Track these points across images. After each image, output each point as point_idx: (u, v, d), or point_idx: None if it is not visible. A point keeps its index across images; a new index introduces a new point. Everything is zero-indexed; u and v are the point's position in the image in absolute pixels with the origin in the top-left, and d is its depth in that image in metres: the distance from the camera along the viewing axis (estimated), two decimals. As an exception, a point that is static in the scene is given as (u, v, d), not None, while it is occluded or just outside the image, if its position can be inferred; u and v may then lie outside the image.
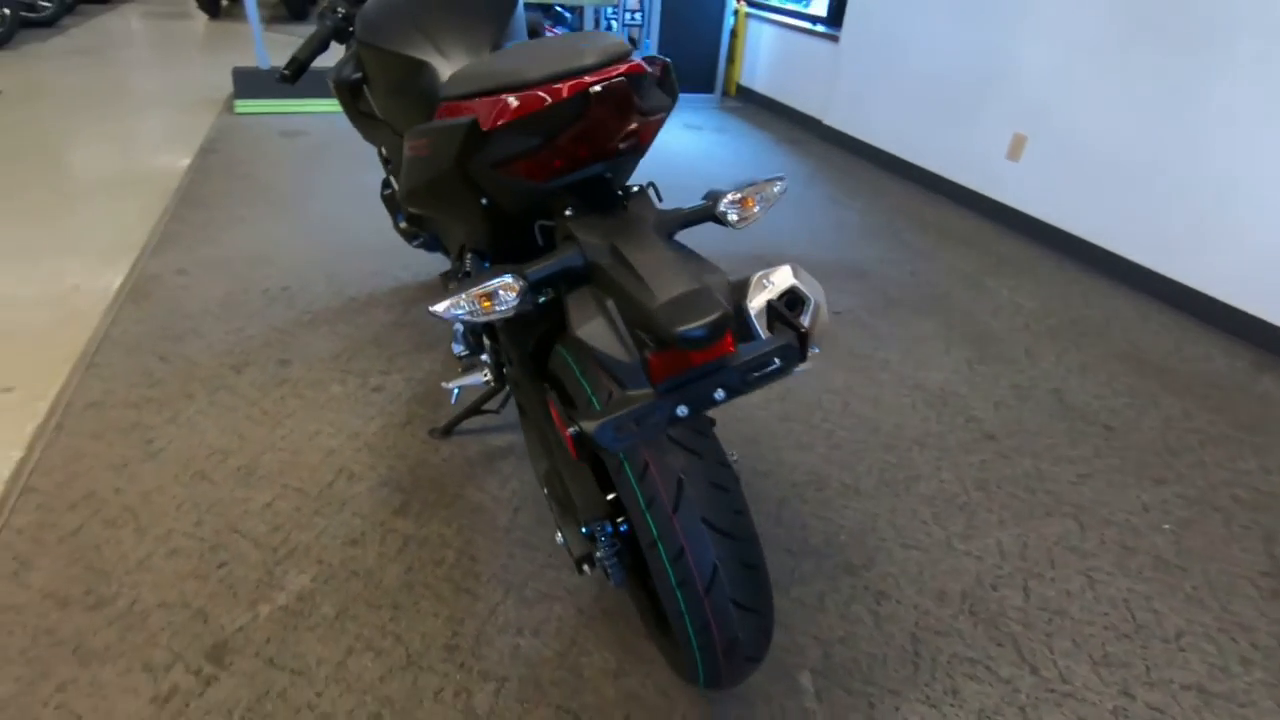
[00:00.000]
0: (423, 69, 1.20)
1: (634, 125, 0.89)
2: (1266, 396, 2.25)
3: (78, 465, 1.64)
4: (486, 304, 0.83)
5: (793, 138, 4.76)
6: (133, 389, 1.89)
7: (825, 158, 4.39)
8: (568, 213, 0.95)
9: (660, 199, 1.01)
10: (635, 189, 1.00)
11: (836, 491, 1.74)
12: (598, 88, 0.82)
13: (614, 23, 6.17)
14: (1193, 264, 2.72)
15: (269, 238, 2.79)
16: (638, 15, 5.80)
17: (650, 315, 0.76)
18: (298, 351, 2.10)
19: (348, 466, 1.69)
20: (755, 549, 0.95)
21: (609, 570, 1.08)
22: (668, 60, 0.94)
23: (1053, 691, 1.30)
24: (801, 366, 0.97)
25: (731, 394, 0.81)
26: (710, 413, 1.97)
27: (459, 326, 1.47)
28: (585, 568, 1.09)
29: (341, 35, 1.52)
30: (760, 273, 0.98)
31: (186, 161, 3.52)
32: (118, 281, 2.40)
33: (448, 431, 1.80)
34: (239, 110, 4.33)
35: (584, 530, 1.07)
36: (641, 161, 4.02)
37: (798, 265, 0.98)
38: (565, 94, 0.83)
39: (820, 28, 4.65)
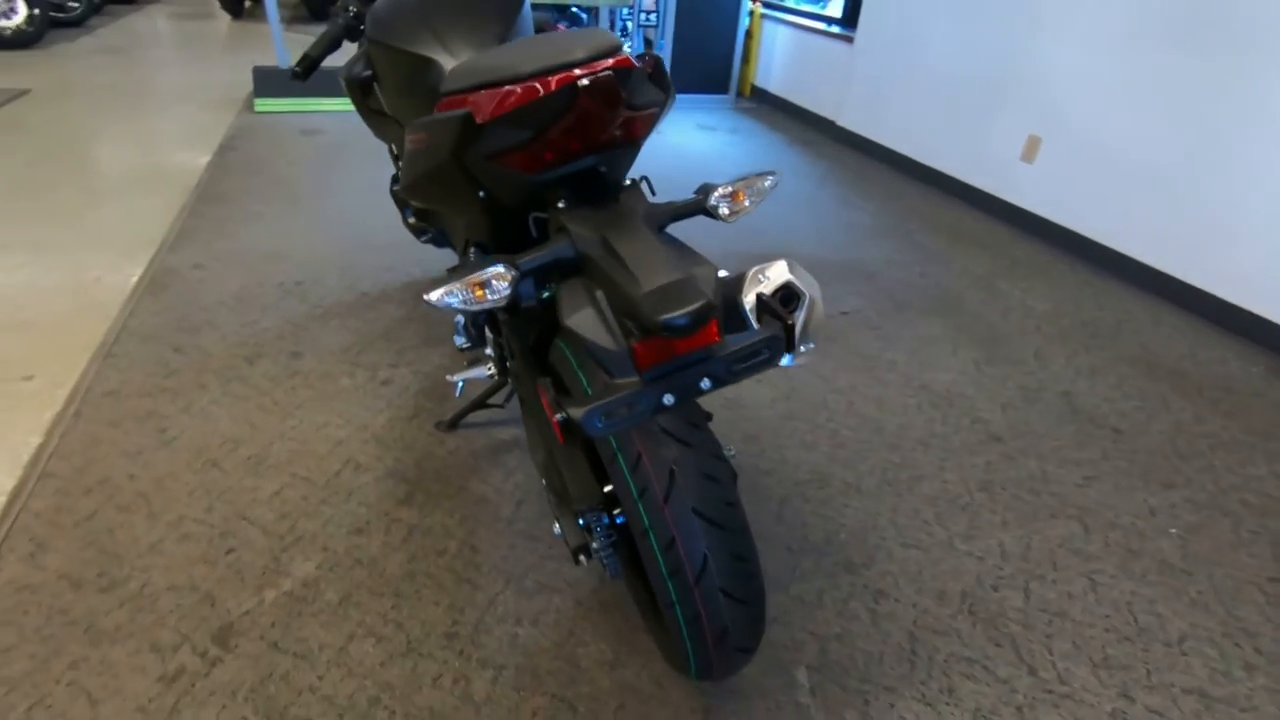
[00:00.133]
0: (429, 66, 1.23)
1: (623, 118, 0.91)
2: (1281, 402, 2.22)
3: (94, 451, 1.68)
4: (480, 293, 0.85)
5: (806, 139, 4.76)
6: (149, 379, 1.94)
7: (838, 159, 4.38)
8: (560, 205, 0.96)
9: (654, 193, 1.03)
10: (628, 183, 1.01)
11: (838, 490, 1.74)
12: (585, 81, 0.84)
13: (629, 23, 6.20)
14: (1208, 267, 2.69)
15: (285, 233, 2.84)
16: (653, 16, 5.82)
17: (635, 304, 0.77)
18: (309, 344, 2.14)
19: (355, 457, 1.72)
20: (746, 541, 0.96)
21: (605, 562, 1.09)
22: (659, 56, 0.96)
23: (1050, 692, 1.30)
24: (798, 361, 0.98)
25: (718, 384, 0.82)
26: (714, 410, 1.98)
27: (460, 319, 1.49)
28: (582, 558, 1.11)
29: (353, 33, 1.55)
30: (756, 267, 1.00)
31: (206, 159, 3.59)
32: (137, 275, 2.45)
33: (454, 424, 1.82)
34: (259, 109, 4.40)
35: (580, 522, 1.08)
36: (654, 161, 4.04)
37: (794, 261, 0.99)
38: (553, 87, 0.85)
39: (835, 29, 4.65)
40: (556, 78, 0.85)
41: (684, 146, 4.39)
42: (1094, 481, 1.83)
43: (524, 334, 1.27)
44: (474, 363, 1.65)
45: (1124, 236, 2.98)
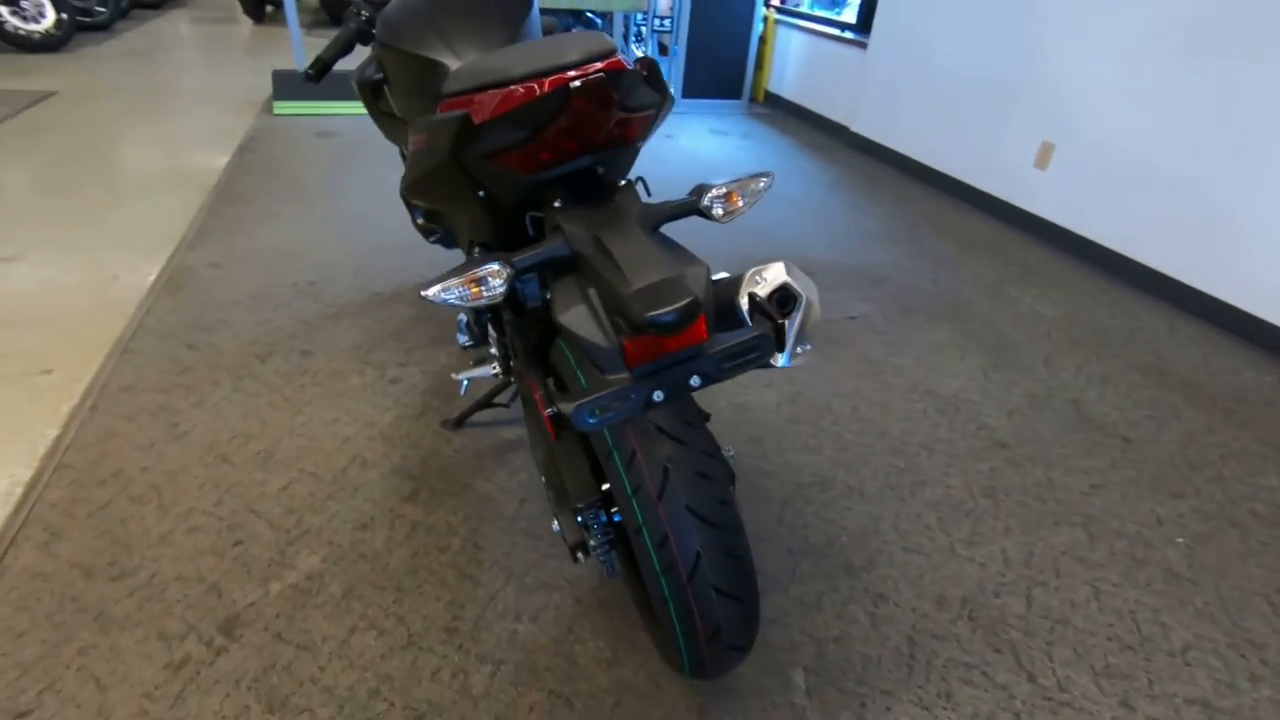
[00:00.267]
0: (437, 69, 1.25)
1: (618, 120, 0.92)
2: (1296, 412, 2.19)
3: (109, 444, 1.72)
4: (475, 289, 0.87)
5: (818, 144, 4.75)
6: (163, 374, 1.98)
7: (850, 164, 4.37)
8: (556, 204, 0.98)
9: (650, 193, 1.04)
10: (623, 183, 1.03)
11: (840, 493, 1.74)
12: (577, 83, 0.86)
13: (643, 29, 6.23)
14: (1225, 275, 2.66)
15: (300, 234, 2.88)
16: (667, 21, 5.85)
17: (624, 301, 0.79)
18: (320, 343, 2.17)
19: (362, 454, 1.75)
20: (740, 539, 0.97)
21: (603, 559, 1.11)
22: (654, 60, 0.97)
23: (1049, 699, 1.29)
24: (796, 362, 0.99)
25: (707, 381, 0.83)
26: (719, 412, 1.99)
27: (462, 318, 1.51)
28: (580, 555, 1.12)
29: (365, 37, 1.58)
30: (754, 268, 1.00)
31: (225, 160, 3.65)
32: (155, 273, 2.50)
33: (459, 423, 1.84)
34: (277, 111, 4.48)
35: (578, 520, 1.10)
36: (665, 165, 4.06)
37: (791, 263, 1.00)
38: (546, 88, 0.87)
39: (848, 34, 4.65)
40: (550, 79, 0.87)
41: (695, 151, 4.40)
42: (1101, 490, 1.82)
43: (527, 333, 1.28)
44: (479, 362, 1.67)
45: (1138, 243, 2.96)
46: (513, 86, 0.89)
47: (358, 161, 3.75)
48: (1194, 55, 2.68)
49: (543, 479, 1.22)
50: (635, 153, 1.08)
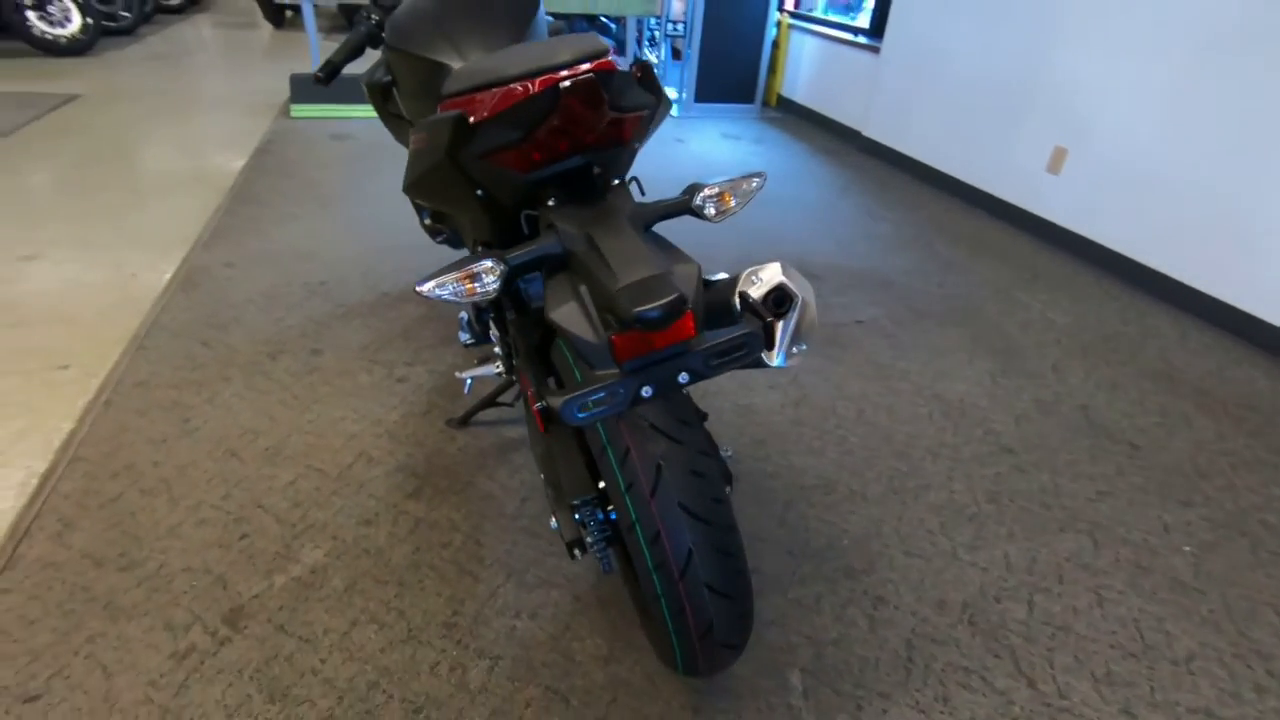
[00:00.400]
0: (442, 71, 1.27)
1: (610, 120, 0.93)
2: (1310, 421, 2.15)
3: (122, 438, 1.75)
4: (469, 285, 0.88)
5: (830, 148, 4.75)
6: (176, 371, 2.02)
7: (862, 169, 4.36)
8: (550, 203, 1.00)
9: (643, 193, 1.05)
10: (616, 183, 1.04)
11: (843, 496, 1.74)
12: (567, 83, 0.87)
13: (657, 33, 6.26)
14: (1239, 282, 2.62)
15: (313, 234, 2.93)
16: (681, 26, 5.87)
17: (612, 297, 0.80)
18: (330, 342, 2.20)
19: (367, 451, 1.77)
20: (733, 537, 0.97)
21: (599, 556, 1.11)
22: (648, 62, 0.98)
23: (1048, 705, 1.28)
24: (791, 362, 0.99)
25: (695, 377, 0.83)
26: (724, 414, 1.99)
27: (464, 316, 1.53)
28: (576, 552, 1.13)
29: (374, 41, 1.61)
30: (750, 268, 1.01)
31: (243, 162, 3.71)
32: (171, 272, 2.55)
33: (464, 422, 1.86)
34: (294, 114, 4.54)
35: (575, 517, 1.11)
36: (676, 168, 4.07)
37: (788, 263, 1.01)
38: (537, 88, 0.88)
39: (861, 39, 4.64)
40: (540, 79, 0.88)
41: (707, 155, 4.42)
42: (1107, 497, 1.80)
43: (530, 332, 1.30)
44: (483, 361, 1.69)
45: (1151, 248, 2.93)
46: (505, 87, 0.91)
47: (371, 164, 3.80)
48: (1207, 60, 2.65)
49: (542, 476, 1.24)
50: (631, 153, 1.09)
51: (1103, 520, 1.72)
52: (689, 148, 4.54)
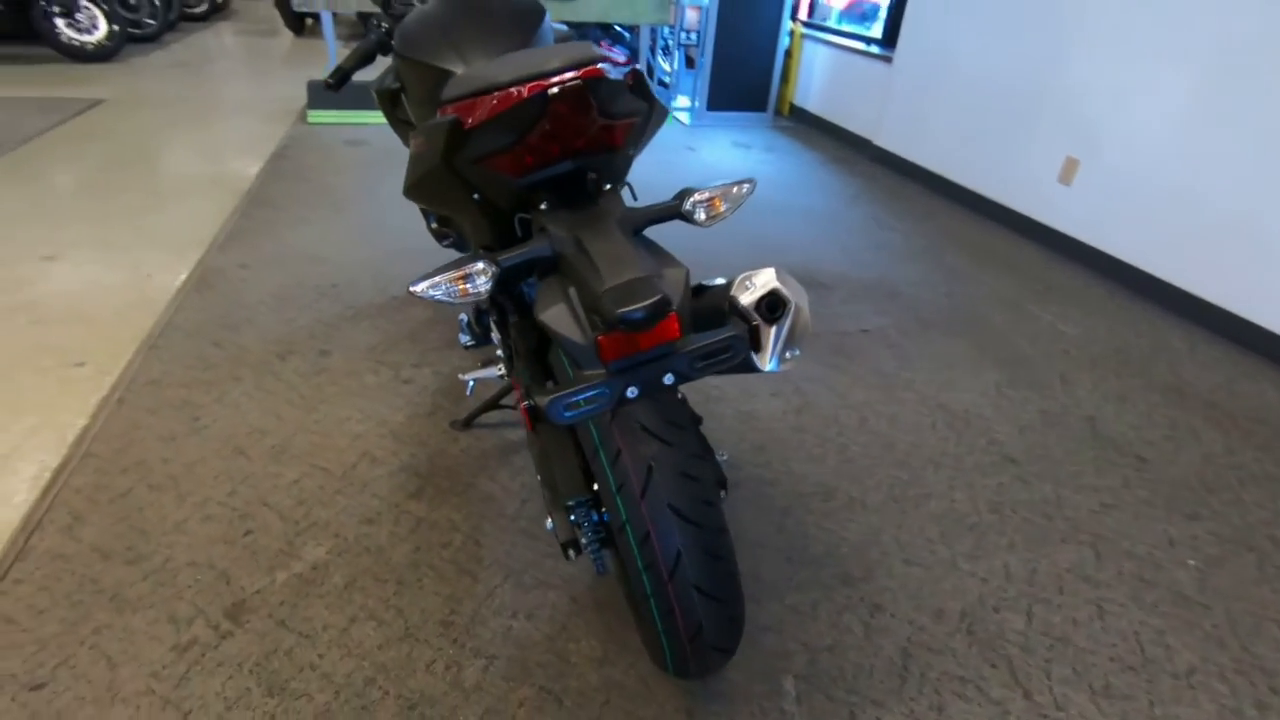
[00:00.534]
0: (448, 78, 1.30)
1: (601, 125, 0.95)
2: (1322, 436, 2.12)
3: (133, 435, 1.79)
4: (462, 285, 0.90)
5: (841, 157, 4.75)
6: (188, 370, 2.05)
7: (873, 178, 4.36)
8: (543, 206, 1.02)
9: (635, 198, 1.07)
10: (607, 187, 1.06)
11: (843, 504, 1.74)
12: (555, 89, 0.89)
13: (670, 42, 6.30)
14: (1252, 296, 2.60)
15: (325, 238, 2.97)
16: (694, 35, 5.91)
17: (597, 299, 0.81)
18: (339, 343, 2.24)
19: (372, 451, 1.79)
20: (723, 540, 0.98)
21: (593, 557, 1.13)
22: (639, 69, 1.00)
23: (1045, 717, 1.27)
24: (784, 367, 1.00)
25: (680, 379, 0.85)
26: (726, 420, 2.00)
27: (464, 318, 1.55)
28: (571, 553, 1.14)
29: (385, 48, 1.65)
30: (744, 274, 1.02)
31: (259, 166, 3.78)
32: (186, 273, 2.60)
33: (467, 424, 1.88)
34: (311, 120, 4.62)
35: (571, 518, 1.12)
36: (686, 177, 4.09)
37: (782, 269, 1.02)
38: (525, 94, 0.90)
39: (874, 49, 4.65)
40: (529, 85, 0.90)
41: (718, 164, 4.44)
42: (1111, 509, 1.79)
43: (530, 335, 1.32)
44: (487, 363, 1.71)
45: (1163, 260, 2.90)
46: (497, 93, 0.93)
47: (384, 169, 3.85)
48: (1222, 70, 2.64)
49: (538, 477, 1.25)
50: (626, 159, 1.11)
51: (1106, 532, 1.71)
52: (700, 156, 4.56)
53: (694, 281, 1.09)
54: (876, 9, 4.65)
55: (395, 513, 1.62)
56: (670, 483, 0.94)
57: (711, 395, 2.11)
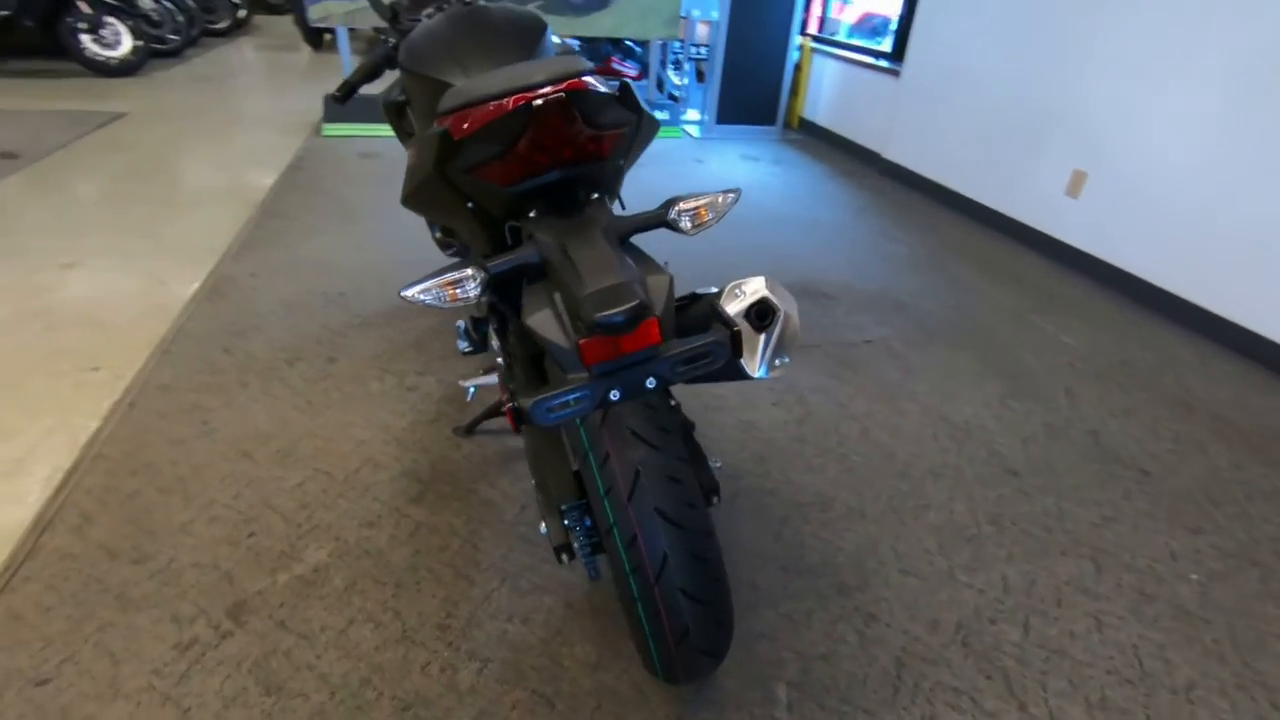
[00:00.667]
0: (450, 91, 1.33)
1: (588, 136, 0.98)
2: (1332, 452, 2.10)
3: (143, 438, 1.83)
4: (451, 290, 0.93)
5: (849, 170, 4.77)
6: (198, 375, 2.10)
7: (880, 191, 4.37)
8: (532, 215, 1.04)
9: (624, 207, 1.09)
10: (594, 196, 1.08)
11: (841, 514, 1.74)
12: (538, 101, 0.92)
13: (680, 56, 6.36)
14: (1265, 309, 2.57)
15: (335, 247, 3.02)
16: (704, 49, 5.97)
17: (579, 303, 0.83)
18: (345, 350, 2.27)
19: (375, 456, 1.82)
20: (709, 543, 0.99)
21: (585, 562, 1.14)
22: (628, 82, 1.03)
23: (1039, 729, 1.27)
24: (773, 374, 1.02)
25: (662, 383, 0.86)
26: (727, 428, 2.01)
27: (461, 324, 1.58)
28: (564, 557, 1.16)
29: (391, 63, 1.69)
30: (734, 282, 1.04)
31: (274, 178, 3.85)
32: (199, 281, 2.66)
33: (469, 430, 1.91)
34: (326, 133, 4.71)
35: (564, 522, 1.13)
36: (694, 188, 4.12)
37: (773, 278, 1.04)
38: (510, 106, 0.93)
39: (883, 62, 4.67)
40: (513, 98, 0.93)
41: (726, 176, 4.47)
42: (1113, 522, 1.77)
43: (527, 341, 1.34)
44: (489, 370, 1.73)
45: (1172, 274, 2.89)
46: (485, 105, 0.96)
47: (395, 181, 3.91)
48: (1234, 84, 2.63)
49: (533, 482, 1.27)
50: (615, 169, 1.13)
51: (1107, 545, 1.70)
52: (708, 168, 4.60)
53: (690, 290, 1.11)
54: (888, 23, 4.68)
55: (396, 517, 1.64)
56: (657, 486, 0.96)
57: (713, 404, 2.12)
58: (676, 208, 1.06)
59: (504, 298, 1.28)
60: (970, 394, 2.28)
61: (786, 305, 1.02)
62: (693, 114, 5.85)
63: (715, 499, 1.16)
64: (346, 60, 4.82)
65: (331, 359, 2.22)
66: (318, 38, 8.55)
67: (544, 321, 0.89)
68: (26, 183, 3.55)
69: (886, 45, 4.73)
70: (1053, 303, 2.98)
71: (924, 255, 3.39)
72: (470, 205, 1.10)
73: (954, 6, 3.99)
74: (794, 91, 5.61)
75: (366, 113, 4.59)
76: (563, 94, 0.92)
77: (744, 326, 0.96)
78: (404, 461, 1.81)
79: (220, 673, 1.27)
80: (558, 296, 0.93)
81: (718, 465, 1.22)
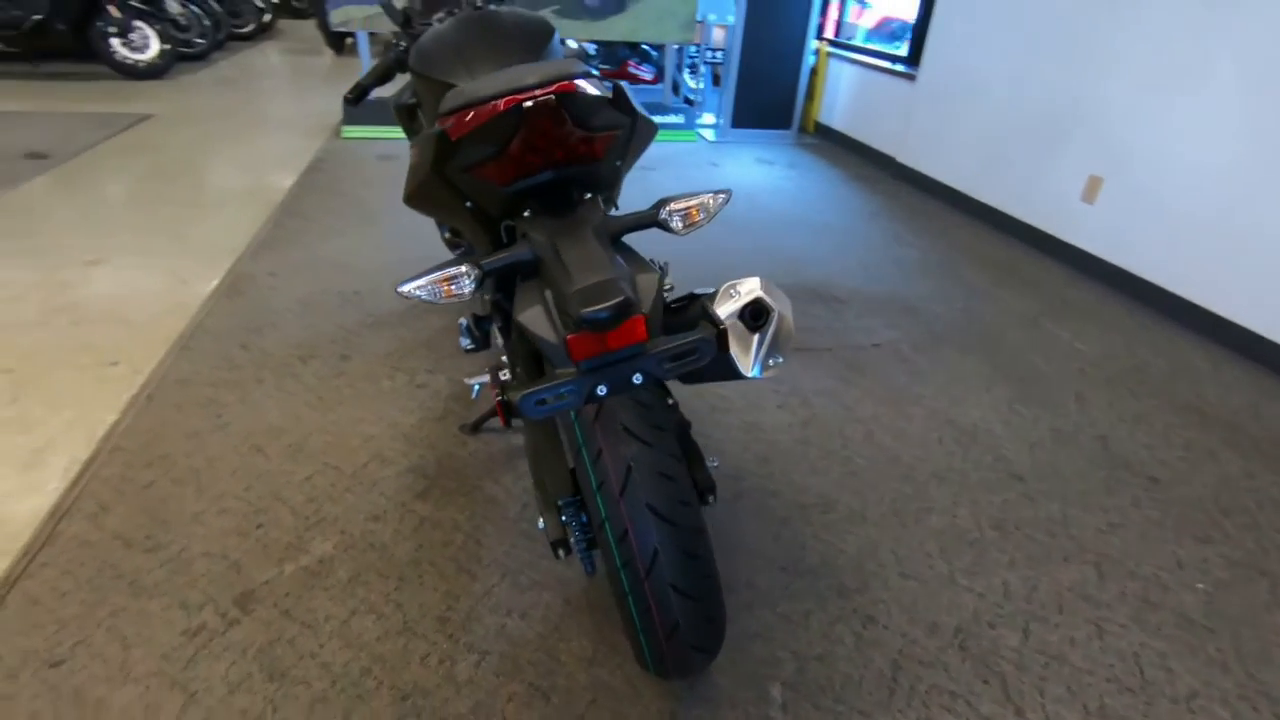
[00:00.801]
0: (455, 94, 1.36)
1: (580, 137, 1.00)
2: (1349, 462, 2.06)
3: (159, 431, 1.88)
4: (447, 287, 0.95)
5: (864, 174, 4.75)
6: (215, 371, 2.15)
7: (894, 195, 4.35)
8: (526, 214, 1.06)
9: (616, 207, 1.11)
10: (587, 196, 1.11)
11: (842, 516, 1.74)
12: (529, 103, 0.94)
13: (696, 60, 6.38)
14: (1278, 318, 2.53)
15: (352, 247, 3.08)
16: (720, 54, 5.98)
17: (566, 299, 0.85)
18: (358, 348, 2.32)
19: (383, 452, 1.85)
20: (700, 540, 1.01)
21: (581, 557, 1.16)
22: (620, 84, 1.05)
23: (1034, 734, 1.26)
24: (767, 374, 1.03)
25: (649, 379, 0.88)
26: (731, 430, 2.02)
27: (464, 322, 1.60)
28: (560, 552, 1.17)
29: (403, 66, 1.73)
30: (729, 282, 1.06)
31: (294, 179, 3.92)
32: (218, 279, 2.72)
33: (476, 428, 1.93)
34: (345, 135, 4.78)
35: (561, 518, 1.15)
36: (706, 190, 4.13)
37: (768, 279, 1.05)
38: (502, 108, 0.96)
39: (899, 67, 4.66)
40: (505, 100, 0.95)
41: (740, 179, 4.47)
42: (1119, 529, 1.76)
43: (528, 339, 1.36)
44: (497, 368, 1.75)
45: (1187, 281, 2.85)
46: (480, 106, 0.98)
47: (413, 182, 3.96)
48: (1249, 88, 2.60)
49: (532, 478, 1.29)
50: (611, 170, 1.15)
51: (1111, 552, 1.68)
52: (723, 172, 4.61)
53: (689, 290, 1.13)
54: (908, 27, 4.66)
55: (401, 511, 1.67)
56: (649, 482, 0.97)
57: (719, 406, 2.13)
58: (668, 208, 1.07)
59: (507, 295, 1.30)
60: (978, 398, 2.27)
61: (780, 305, 1.04)
62: (708, 118, 5.87)
63: (711, 497, 1.18)
64: (366, 64, 4.89)
65: (345, 356, 2.26)
66: (340, 42, 8.69)
67: (534, 318, 0.91)
68: (55, 182, 3.65)
69: (904, 50, 4.72)
70: (1066, 308, 2.95)
71: (936, 259, 3.37)
72: (469, 204, 1.13)
73: (970, 10, 3.97)
74: (809, 96, 5.60)
75: (385, 115, 4.65)
76: (552, 96, 0.94)
77: (737, 326, 0.98)
78: (411, 457, 1.84)
79: (226, 659, 1.30)
80: (548, 293, 0.95)
81: (715, 464, 1.23)
